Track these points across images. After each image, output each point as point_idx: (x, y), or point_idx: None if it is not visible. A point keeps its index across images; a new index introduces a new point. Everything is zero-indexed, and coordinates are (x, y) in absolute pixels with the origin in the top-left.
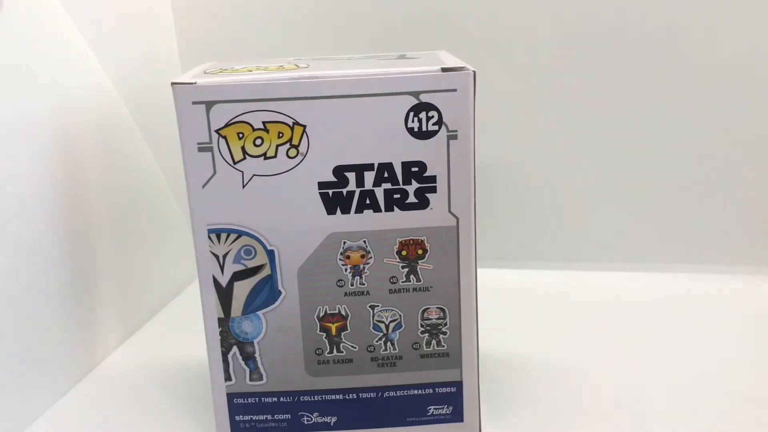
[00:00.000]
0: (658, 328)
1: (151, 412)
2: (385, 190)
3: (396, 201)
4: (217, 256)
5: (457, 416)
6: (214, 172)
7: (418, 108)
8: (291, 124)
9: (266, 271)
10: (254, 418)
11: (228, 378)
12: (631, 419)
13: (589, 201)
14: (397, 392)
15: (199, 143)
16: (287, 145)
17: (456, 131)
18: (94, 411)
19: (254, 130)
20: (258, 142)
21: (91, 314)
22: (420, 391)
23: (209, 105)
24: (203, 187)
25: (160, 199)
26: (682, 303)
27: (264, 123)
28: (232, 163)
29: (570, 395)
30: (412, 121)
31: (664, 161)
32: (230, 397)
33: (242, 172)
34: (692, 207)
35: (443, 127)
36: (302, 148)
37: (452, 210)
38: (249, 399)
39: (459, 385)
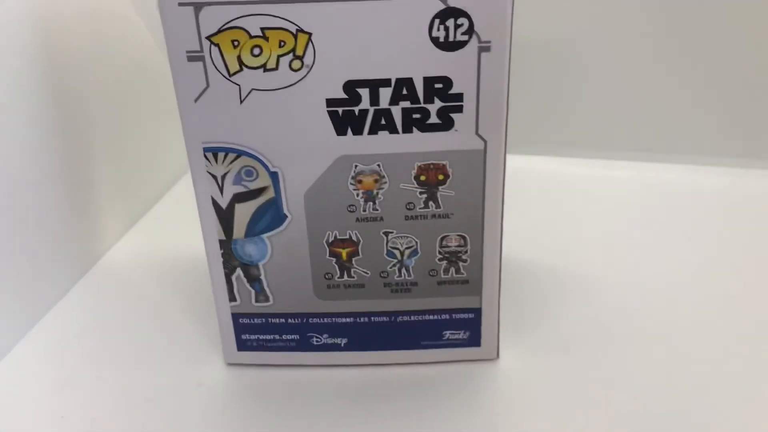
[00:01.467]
0: (697, 229)
1: (156, 306)
2: (403, 109)
3: (415, 121)
4: (215, 177)
5: (474, 341)
6: (207, 85)
7: (445, 14)
8: (294, 31)
9: (270, 194)
10: (261, 337)
11: (233, 299)
12: (657, 340)
13: (631, 86)
14: (411, 317)
15: (188, 51)
16: (290, 56)
17: (489, 42)
18: (100, 306)
19: (251, 37)
20: (256, 51)
21: (91, 205)
22: (435, 317)
23: (198, 7)
24: (195, 101)
25: (158, 84)
26: (725, 200)
27: (262, 29)
28: (227, 75)
29: (595, 313)
30: (438, 30)
31: (711, 52)
32: (235, 317)
33: (239, 85)
34: (741, 99)
35: (474, 36)
36: (307, 59)
37: (480, 132)
38: (255, 319)
39: (477, 311)
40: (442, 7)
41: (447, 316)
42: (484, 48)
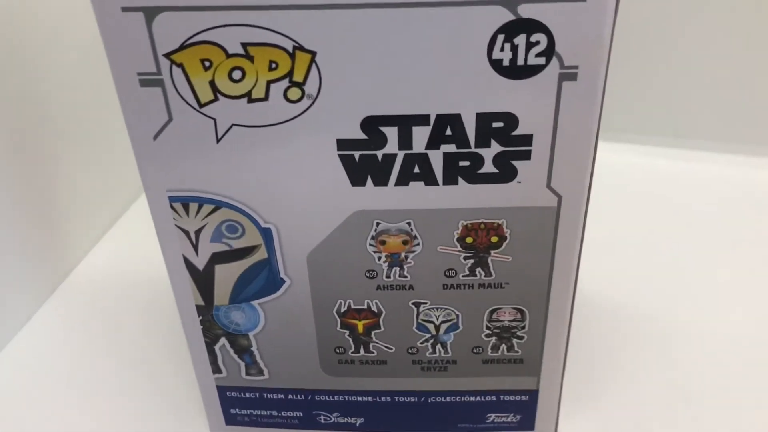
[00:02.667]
0: None
1: (133, 344)
2: (445, 154)
3: (463, 170)
4: (186, 232)
5: (526, 425)
6: (170, 118)
7: (514, 27)
8: (291, 49)
9: (261, 254)
10: (255, 412)
11: (217, 371)
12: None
13: (709, 70)
14: (447, 398)
15: (140, 74)
16: (284, 82)
17: (575, 67)
18: (67, 339)
19: (229, 56)
20: (236, 75)
21: (57, 214)
22: (478, 398)
23: (151, 13)
24: (154, 138)
25: None
26: None
27: (245, 45)
28: (196, 106)
29: (680, 376)
30: (501, 49)
31: None
32: (222, 389)
33: (214, 119)
34: None
35: (554, 59)
36: (310, 87)
37: (553, 185)
38: (247, 393)
39: (533, 394)
40: (511, 18)
41: (493, 398)
42: (568, 75)
